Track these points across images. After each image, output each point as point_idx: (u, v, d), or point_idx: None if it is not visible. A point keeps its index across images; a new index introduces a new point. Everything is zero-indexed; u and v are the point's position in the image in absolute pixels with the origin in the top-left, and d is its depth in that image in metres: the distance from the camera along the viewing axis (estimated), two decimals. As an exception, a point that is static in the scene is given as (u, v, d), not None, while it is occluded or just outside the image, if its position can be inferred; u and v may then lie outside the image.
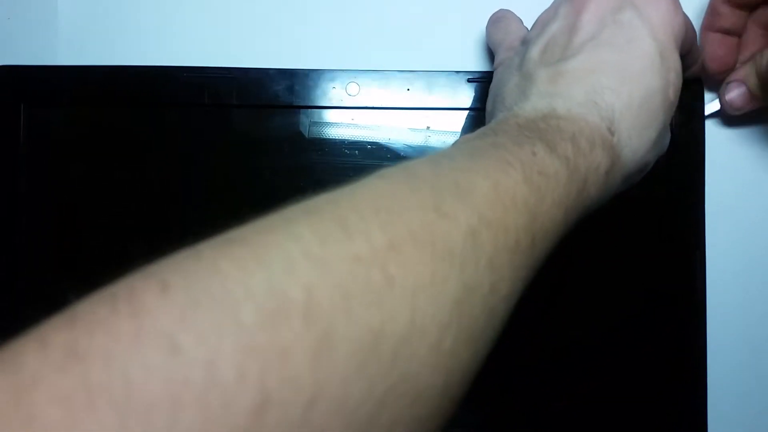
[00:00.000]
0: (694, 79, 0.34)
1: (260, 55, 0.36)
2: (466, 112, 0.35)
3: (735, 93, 0.33)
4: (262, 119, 0.35)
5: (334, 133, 0.35)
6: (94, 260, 0.35)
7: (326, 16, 0.36)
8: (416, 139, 0.35)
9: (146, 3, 0.36)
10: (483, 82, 0.35)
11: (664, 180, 0.34)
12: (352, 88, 0.35)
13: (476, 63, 0.36)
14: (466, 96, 0.35)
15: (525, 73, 0.27)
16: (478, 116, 0.35)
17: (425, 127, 0.35)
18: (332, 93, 0.35)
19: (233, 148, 0.35)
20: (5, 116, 0.34)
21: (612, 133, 0.25)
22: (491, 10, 0.36)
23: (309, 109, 0.35)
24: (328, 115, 0.35)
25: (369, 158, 0.35)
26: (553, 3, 0.29)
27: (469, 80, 0.35)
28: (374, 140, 0.35)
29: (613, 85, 0.25)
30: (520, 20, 0.33)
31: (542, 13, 0.29)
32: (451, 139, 0.35)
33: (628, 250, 0.35)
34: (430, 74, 0.35)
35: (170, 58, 0.36)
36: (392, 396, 0.15)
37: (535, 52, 0.27)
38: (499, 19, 0.33)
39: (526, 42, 0.29)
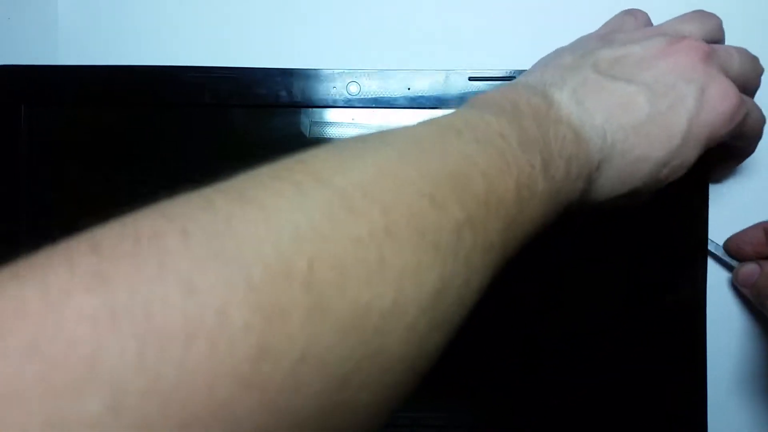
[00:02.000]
0: None
1: (260, 55, 0.36)
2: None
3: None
4: (262, 119, 0.35)
5: (334, 132, 0.35)
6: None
7: (326, 16, 0.36)
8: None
9: (146, 3, 0.36)
10: (485, 80, 0.35)
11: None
12: (353, 87, 0.35)
13: (478, 61, 0.36)
14: (468, 95, 0.35)
15: (580, 63, 0.28)
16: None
17: (426, 127, 0.35)
18: (333, 92, 0.35)
19: (234, 148, 0.35)
20: (5, 116, 0.34)
21: (598, 170, 0.26)
22: (492, 7, 0.36)
23: (309, 109, 0.35)
24: (329, 115, 0.35)
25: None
26: (658, 26, 0.30)
27: (470, 79, 0.35)
28: (375, 140, 0.35)
29: (627, 129, 0.26)
30: (645, 25, 0.32)
31: (652, 27, 0.30)
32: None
33: (629, 250, 0.35)
34: (431, 73, 0.35)
35: (170, 58, 0.36)
36: (367, 363, 0.17)
37: (606, 55, 0.28)
38: (632, 10, 0.32)
39: (610, 36, 0.29)
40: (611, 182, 0.26)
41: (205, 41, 0.36)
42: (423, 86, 0.35)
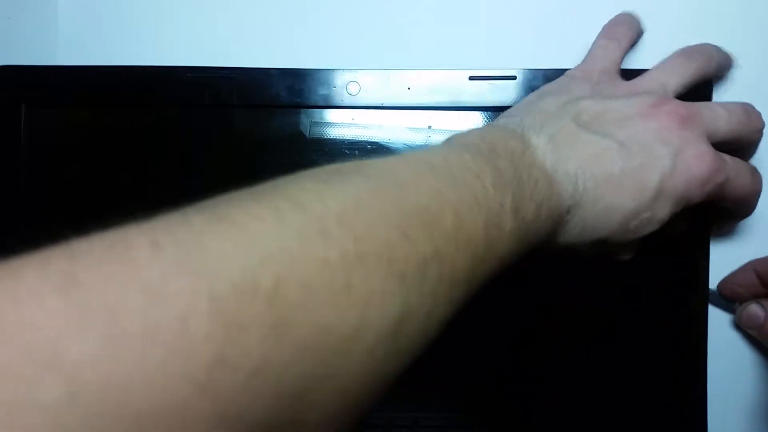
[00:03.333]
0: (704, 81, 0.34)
1: (260, 55, 0.36)
2: (469, 110, 0.35)
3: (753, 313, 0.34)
4: (262, 119, 0.35)
5: (334, 132, 0.35)
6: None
7: (326, 16, 0.36)
8: (417, 139, 0.35)
9: (146, 3, 0.36)
10: (485, 80, 0.35)
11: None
12: (353, 87, 0.35)
13: (478, 61, 0.36)
14: (468, 94, 0.35)
15: (561, 112, 0.29)
16: (480, 115, 0.35)
17: (427, 127, 0.35)
18: (333, 92, 0.35)
19: (234, 149, 0.35)
20: (6, 117, 0.34)
21: (568, 214, 0.27)
22: (492, 4, 0.36)
23: (309, 109, 0.35)
24: (329, 115, 0.35)
25: (369, 158, 0.35)
26: (644, 78, 0.31)
27: (471, 78, 0.35)
28: (375, 140, 0.35)
29: (599, 178, 0.27)
30: (630, 45, 0.33)
31: (638, 79, 0.31)
32: (452, 139, 0.35)
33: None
34: (431, 73, 0.35)
35: (171, 58, 0.36)
36: (323, 383, 0.17)
37: (588, 107, 0.28)
38: (612, 32, 0.33)
39: (598, 85, 0.30)
40: (580, 227, 0.27)
41: (205, 41, 0.36)
42: (423, 86, 0.35)
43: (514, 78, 0.34)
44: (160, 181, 0.35)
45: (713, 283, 0.35)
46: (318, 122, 0.35)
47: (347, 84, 0.35)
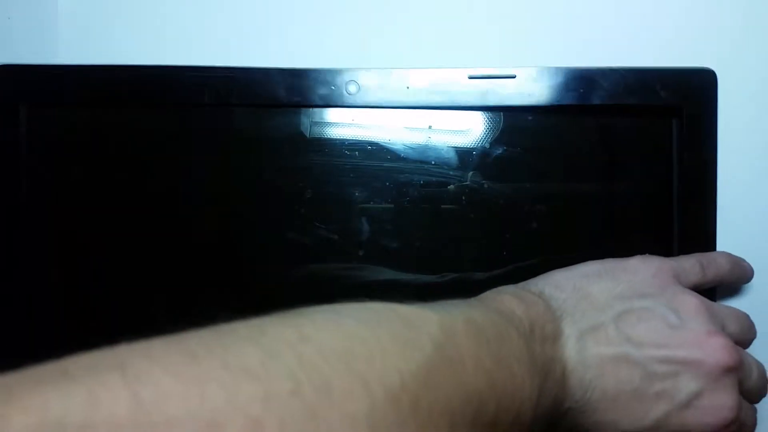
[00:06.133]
0: (706, 70, 0.34)
1: (260, 55, 0.36)
2: (468, 109, 0.35)
3: None
4: (262, 119, 0.35)
5: (334, 132, 0.35)
6: (94, 259, 0.35)
7: (326, 16, 0.36)
8: (417, 139, 0.35)
9: (146, 3, 0.36)
10: (484, 78, 0.34)
11: (678, 168, 0.34)
12: (352, 86, 0.35)
13: (478, 59, 0.36)
14: (467, 93, 0.35)
15: (608, 306, 0.28)
16: (480, 114, 0.35)
17: (427, 126, 0.35)
18: (332, 92, 0.34)
19: (234, 148, 0.35)
20: (5, 115, 0.34)
21: (564, 415, 0.27)
22: (491, 3, 0.36)
23: (309, 109, 0.35)
24: (329, 115, 0.35)
25: (369, 158, 0.35)
26: (716, 308, 0.29)
27: (470, 77, 0.35)
28: (375, 140, 0.35)
29: (608, 393, 0.26)
30: (714, 281, 0.31)
31: (705, 304, 0.28)
32: (452, 139, 0.35)
33: (640, 241, 0.35)
34: (430, 71, 0.35)
35: (170, 58, 0.36)
36: None
37: (642, 307, 0.28)
38: (710, 258, 0.32)
39: (667, 289, 0.29)
40: (569, 423, 0.27)
41: (205, 41, 0.36)
42: (422, 85, 0.35)
43: (513, 77, 0.34)
44: (159, 181, 0.35)
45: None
46: (318, 122, 0.35)
47: (346, 84, 0.35)
